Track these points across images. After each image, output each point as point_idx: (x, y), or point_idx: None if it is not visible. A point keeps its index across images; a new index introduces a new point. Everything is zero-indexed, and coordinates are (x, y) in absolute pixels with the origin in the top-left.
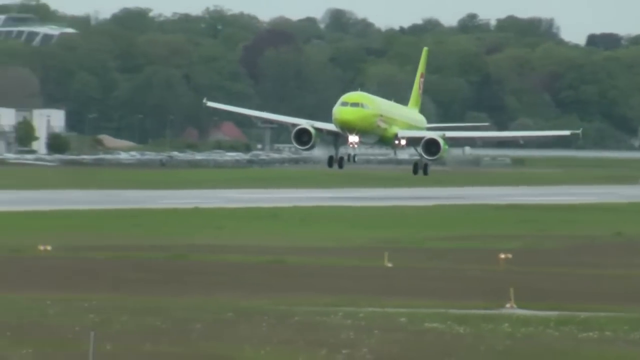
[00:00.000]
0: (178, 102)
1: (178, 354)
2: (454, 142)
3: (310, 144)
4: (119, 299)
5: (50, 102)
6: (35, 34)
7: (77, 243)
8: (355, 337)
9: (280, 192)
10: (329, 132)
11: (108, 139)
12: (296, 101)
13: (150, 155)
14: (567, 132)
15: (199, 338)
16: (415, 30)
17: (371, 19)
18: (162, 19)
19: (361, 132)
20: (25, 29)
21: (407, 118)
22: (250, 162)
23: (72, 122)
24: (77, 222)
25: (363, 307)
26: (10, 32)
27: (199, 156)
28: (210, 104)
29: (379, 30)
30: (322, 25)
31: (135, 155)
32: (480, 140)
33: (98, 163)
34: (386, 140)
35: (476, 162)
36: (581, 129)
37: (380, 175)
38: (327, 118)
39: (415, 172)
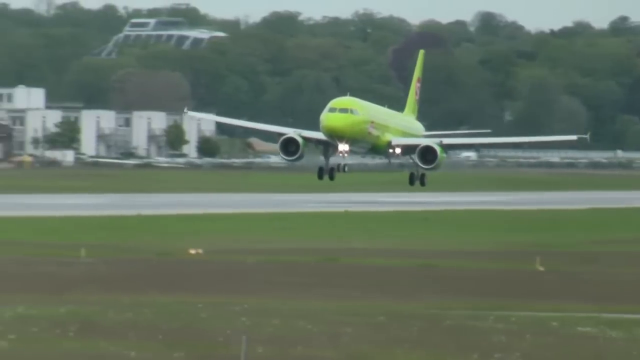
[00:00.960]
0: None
1: (328, 357)
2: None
3: (298, 154)
4: (270, 302)
5: (201, 105)
6: (185, 37)
7: (228, 246)
8: (506, 342)
9: (431, 196)
10: (319, 141)
11: (258, 143)
12: (446, 105)
13: None
14: (573, 137)
15: (349, 342)
16: (566, 33)
17: (521, 22)
18: (311, 22)
19: (351, 139)
20: (175, 32)
21: (402, 125)
22: (401, 166)
23: (222, 126)
24: (227, 225)
25: (514, 311)
26: (160, 36)
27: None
28: (191, 113)
29: (529, 33)
30: (471, 28)
31: None
32: (481, 146)
33: (248, 166)
34: (379, 149)
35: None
36: (589, 132)
37: (537, 178)
38: (479, 123)
39: (411, 183)
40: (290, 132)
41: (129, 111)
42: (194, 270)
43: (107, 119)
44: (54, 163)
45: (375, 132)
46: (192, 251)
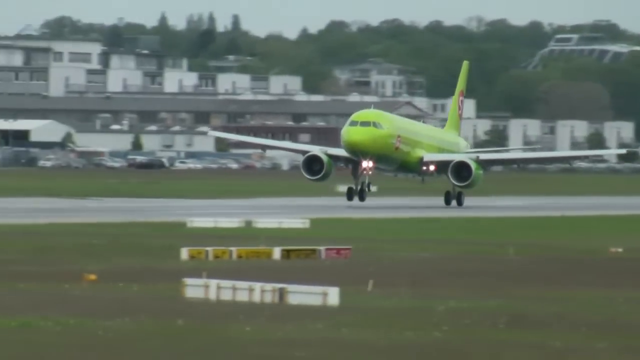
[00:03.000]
0: None
1: None
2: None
3: (322, 173)
4: None
5: (620, 115)
6: (606, 52)
7: None
8: None
9: None
10: (347, 160)
11: None
12: None
13: None
14: (623, 151)
15: None
16: None
17: None
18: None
19: (375, 156)
20: (597, 47)
21: (437, 140)
22: None
23: None
24: None
25: None
26: (582, 51)
27: None
28: (211, 133)
29: None
30: None
31: None
32: (522, 161)
33: None
34: (410, 166)
35: None
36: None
37: None
38: None
39: (447, 202)
40: (316, 149)
41: (553, 120)
42: (613, 268)
43: (533, 127)
44: None
45: (403, 148)
46: (613, 249)
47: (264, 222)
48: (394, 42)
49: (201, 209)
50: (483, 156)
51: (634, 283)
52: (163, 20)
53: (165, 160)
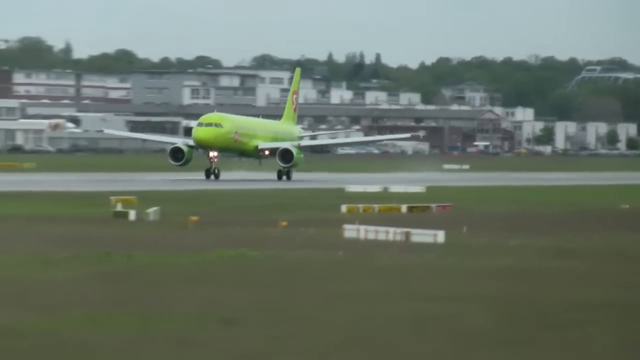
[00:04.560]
0: None
1: None
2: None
3: (184, 159)
4: None
5: (628, 119)
6: (619, 78)
7: None
8: None
9: None
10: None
11: None
12: None
13: None
14: (407, 135)
15: None
16: None
17: None
18: None
19: (218, 148)
20: (613, 75)
21: (272, 132)
22: None
23: None
24: None
25: None
26: (604, 77)
27: None
28: (108, 131)
29: None
30: None
31: None
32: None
33: None
34: (248, 153)
35: None
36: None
37: None
38: None
39: (279, 178)
40: (179, 142)
41: (584, 122)
42: (624, 217)
43: (571, 127)
44: (538, 153)
45: (242, 140)
46: (622, 206)
47: (395, 188)
48: (481, 71)
49: (354, 180)
50: (303, 143)
51: (637, 227)
52: (330, 56)
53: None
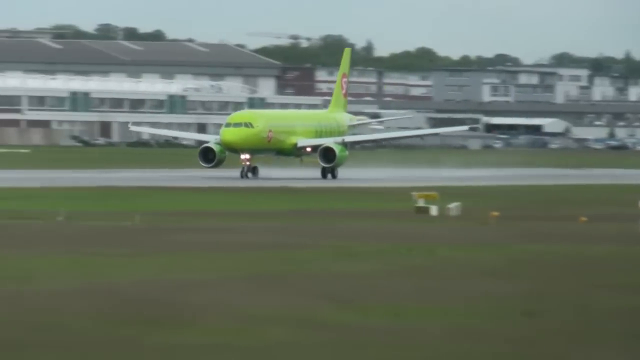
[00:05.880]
0: None
1: None
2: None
3: (215, 161)
4: None
5: None
6: None
7: None
8: None
9: None
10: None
11: None
12: None
13: None
14: (465, 128)
15: None
16: None
17: None
18: None
19: (250, 149)
20: None
21: (314, 125)
22: None
23: None
24: None
25: None
26: None
27: None
28: (133, 127)
29: None
30: None
31: None
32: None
33: None
34: (285, 152)
35: None
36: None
37: None
38: None
39: (324, 176)
40: (211, 140)
41: None
42: None
43: None
44: None
45: (277, 137)
46: None
47: None
48: None
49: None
50: (348, 139)
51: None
52: (628, 54)
53: (629, 144)
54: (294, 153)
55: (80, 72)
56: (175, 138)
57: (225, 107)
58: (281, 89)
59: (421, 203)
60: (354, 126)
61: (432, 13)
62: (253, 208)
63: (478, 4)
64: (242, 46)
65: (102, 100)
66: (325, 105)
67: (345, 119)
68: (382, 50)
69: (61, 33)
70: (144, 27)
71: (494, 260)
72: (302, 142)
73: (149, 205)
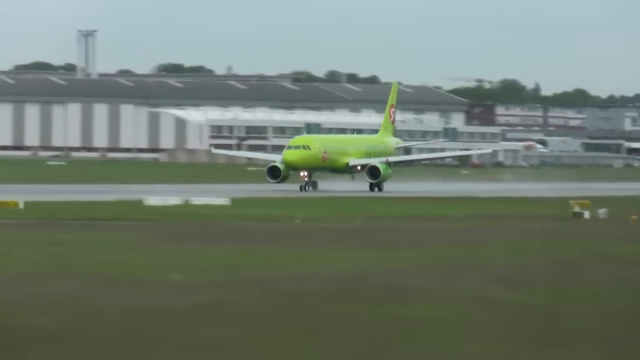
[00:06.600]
0: None
1: None
2: None
3: (280, 177)
4: None
5: None
6: None
7: None
8: None
9: None
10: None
11: None
12: None
13: None
14: (487, 150)
15: None
16: None
17: None
18: None
19: (308, 168)
20: None
21: (364, 147)
22: None
23: None
24: None
25: None
26: None
27: None
28: (215, 151)
29: None
30: None
31: None
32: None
33: None
34: (338, 170)
35: None
36: None
37: None
38: None
39: (371, 189)
40: (277, 160)
41: None
42: None
43: None
44: None
45: (332, 157)
46: None
47: None
48: None
49: None
50: (392, 159)
51: None
52: None
53: None
54: (347, 170)
55: (313, 108)
56: (249, 159)
57: (425, 135)
58: (469, 120)
59: (577, 209)
60: (399, 148)
61: (588, 59)
62: (440, 213)
63: (627, 50)
64: (438, 87)
65: (329, 130)
66: (503, 133)
67: (393, 142)
68: (547, 90)
69: (298, 77)
70: (363, 72)
71: (636, 252)
72: (353, 161)
73: (362, 211)
